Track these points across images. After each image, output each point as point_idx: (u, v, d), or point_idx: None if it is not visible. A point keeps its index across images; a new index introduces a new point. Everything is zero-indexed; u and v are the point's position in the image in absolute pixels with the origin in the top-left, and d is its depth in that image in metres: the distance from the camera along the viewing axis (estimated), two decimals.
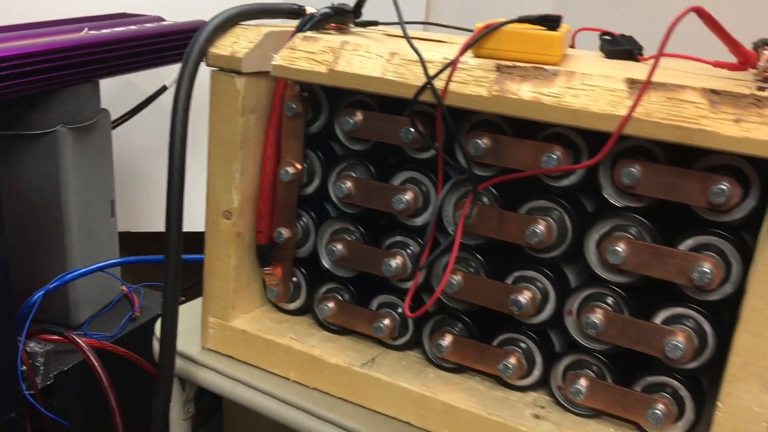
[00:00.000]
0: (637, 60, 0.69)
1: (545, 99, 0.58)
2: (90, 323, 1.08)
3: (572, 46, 0.83)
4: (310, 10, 0.77)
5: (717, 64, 0.61)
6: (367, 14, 0.79)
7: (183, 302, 0.95)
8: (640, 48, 0.70)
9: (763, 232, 0.52)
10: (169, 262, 0.71)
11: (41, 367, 0.94)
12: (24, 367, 0.92)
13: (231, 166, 0.74)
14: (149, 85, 1.28)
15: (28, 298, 0.96)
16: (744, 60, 0.59)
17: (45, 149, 0.99)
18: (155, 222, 1.44)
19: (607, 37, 0.73)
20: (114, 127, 1.17)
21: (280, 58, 0.69)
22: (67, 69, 0.97)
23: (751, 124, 0.51)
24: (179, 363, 0.81)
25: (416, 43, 0.70)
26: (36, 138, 0.98)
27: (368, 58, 0.66)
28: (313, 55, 0.68)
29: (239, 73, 0.71)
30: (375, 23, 0.82)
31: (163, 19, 1.20)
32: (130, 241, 1.33)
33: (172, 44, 1.12)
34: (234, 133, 0.73)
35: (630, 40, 0.71)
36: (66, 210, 1.02)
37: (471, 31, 0.63)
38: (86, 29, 1.06)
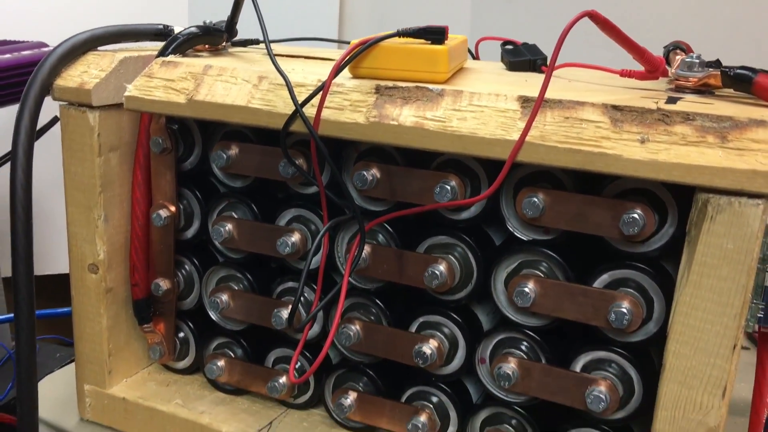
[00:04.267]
0: (541, 71, 0.62)
1: (429, 124, 0.50)
2: None
3: (477, 57, 0.75)
4: (178, 30, 0.68)
5: (624, 73, 0.54)
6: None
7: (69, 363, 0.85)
8: (544, 57, 0.63)
9: (681, 268, 0.45)
10: (21, 336, 0.61)
11: None
12: None
13: (92, 213, 0.64)
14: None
15: None
16: (652, 68, 0.52)
17: None
18: (62, 263, 1.32)
19: (508, 47, 0.65)
20: (1, 165, 1.05)
21: (134, 88, 0.59)
22: None
23: (659, 144, 0.44)
24: None
25: (295, 63, 0.62)
26: None
27: (233, 84, 0.57)
28: (171, 83, 0.59)
29: (91, 106, 0.61)
30: (256, 41, 0.73)
31: (46, 45, 1.09)
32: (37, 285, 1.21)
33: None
34: (92, 176, 0.63)
35: (533, 49, 0.63)
36: None
37: None
38: None
